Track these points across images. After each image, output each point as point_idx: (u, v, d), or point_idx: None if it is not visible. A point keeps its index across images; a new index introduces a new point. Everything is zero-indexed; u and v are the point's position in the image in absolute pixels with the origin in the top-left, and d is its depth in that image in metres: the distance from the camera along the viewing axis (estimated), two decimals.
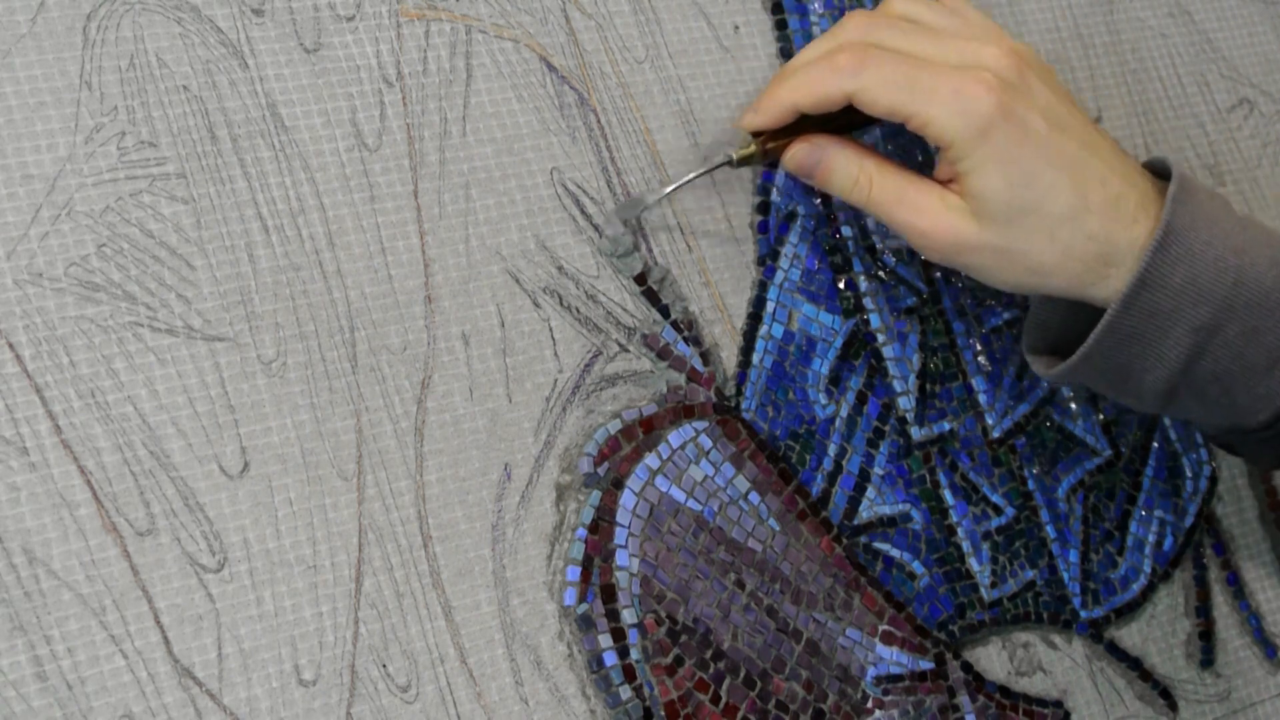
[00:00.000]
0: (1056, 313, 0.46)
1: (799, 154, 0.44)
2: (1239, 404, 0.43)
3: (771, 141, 0.44)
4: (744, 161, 0.44)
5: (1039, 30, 0.56)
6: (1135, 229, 0.42)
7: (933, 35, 0.43)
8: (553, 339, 0.44)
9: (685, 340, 0.45)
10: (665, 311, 0.45)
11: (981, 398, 0.50)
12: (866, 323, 0.49)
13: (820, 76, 0.42)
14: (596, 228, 0.45)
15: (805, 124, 0.44)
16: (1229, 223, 0.42)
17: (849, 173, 0.43)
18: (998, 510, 0.50)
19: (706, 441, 0.45)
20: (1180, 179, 0.42)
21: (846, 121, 0.44)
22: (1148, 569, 0.52)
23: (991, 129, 0.41)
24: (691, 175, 0.45)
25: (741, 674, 0.43)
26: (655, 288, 0.45)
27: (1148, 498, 0.53)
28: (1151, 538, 0.52)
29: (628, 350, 0.45)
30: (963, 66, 0.41)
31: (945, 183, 0.43)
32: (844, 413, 0.48)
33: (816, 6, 0.51)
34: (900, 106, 0.41)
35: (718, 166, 0.44)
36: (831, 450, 0.47)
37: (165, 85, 0.40)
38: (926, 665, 0.46)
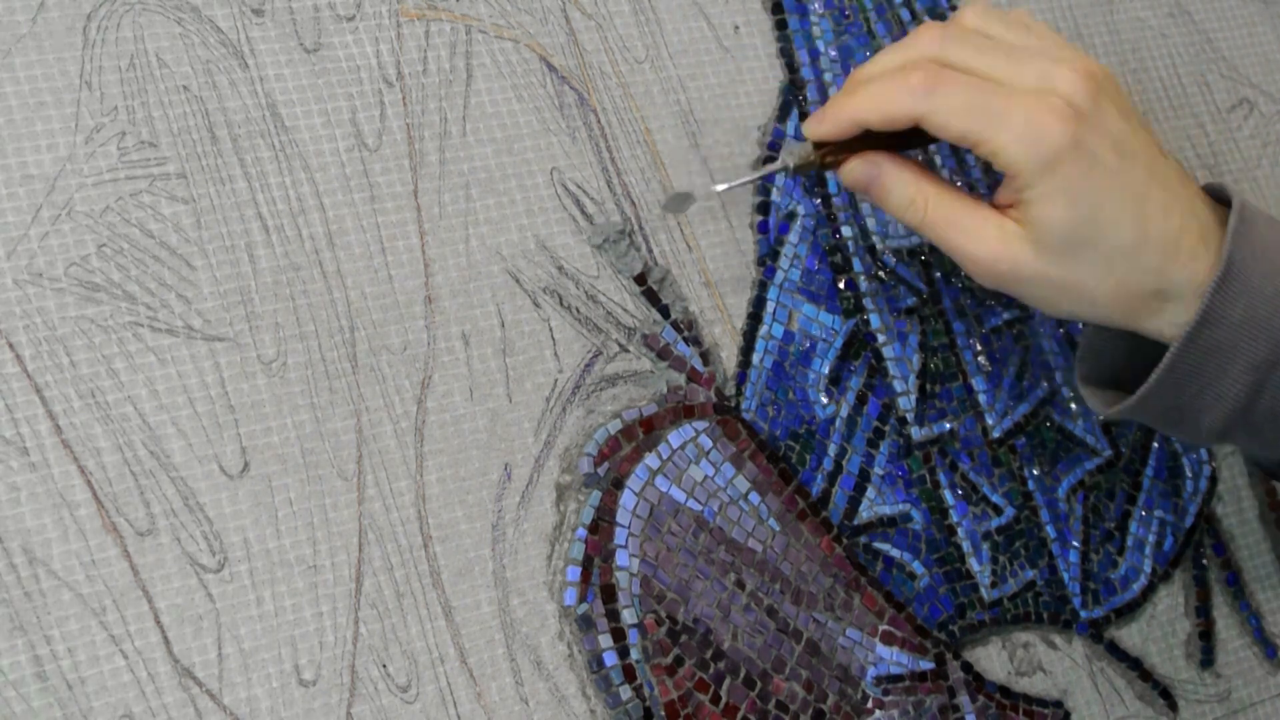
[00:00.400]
0: (1110, 343, 0.46)
1: (856, 170, 0.43)
2: None
3: (831, 155, 0.43)
4: (800, 170, 0.44)
5: None
6: (1194, 265, 0.41)
7: (1006, 54, 0.42)
8: (553, 339, 0.44)
9: (685, 340, 0.45)
10: (665, 311, 0.45)
11: (981, 398, 0.50)
12: (866, 323, 0.49)
13: (891, 95, 0.41)
14: (589, 217, 0.45)
15: (868, 137, 0.43)
16: None
17: (905, 193, 0.43)
18: (998, 510, 0.49)
19: (706, 441, 0.45)
20: (1240, 210, 0.42)
21: (909, 136, 0.43)
22: (1148, 569, 0.52)
23: (1061, 160, 0.40)
24: (747, 179, 0.44)
25: (741, 674, 0.43)
26: (655, 288, 0.46)
27: (1148, 498, 0.53)
28: (1152, 538, 0.52)
29: (628, 350, 0.45)
30: (1036, 91, 0.41)
31: (1004, 208, 0.42)
32: (844, 413, 0.48)
33: (817, 6, 0.51)
34: (971, 132, 0.40)
35: (774, 172, 0.44)
36: (831, 450, 0.47)
37: (165, 85, 0.40)
38: (927, 665, 0.46)
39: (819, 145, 0.44)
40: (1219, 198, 0.44)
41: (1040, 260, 0.41)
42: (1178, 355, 0.41)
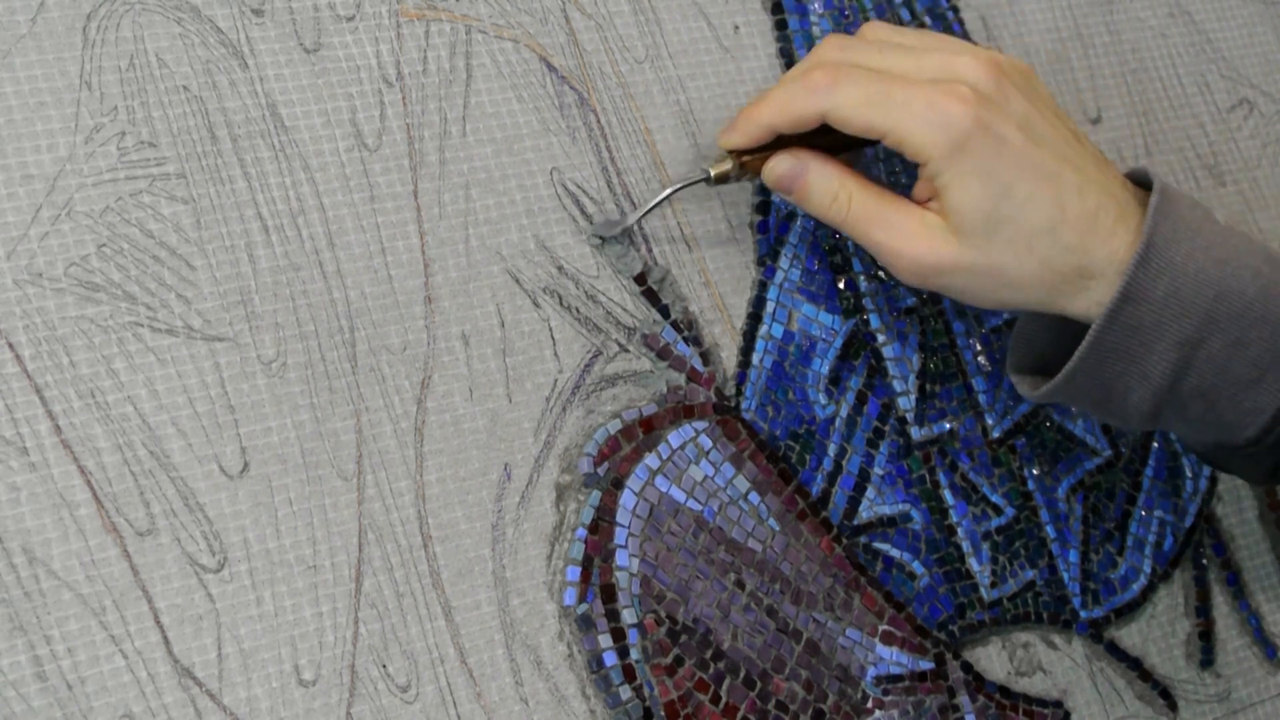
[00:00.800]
0: (1041, 331, 0.46)
1: (779, 167, 0.44)
2: (1225, 420, 0.43)
3: (747, 157, 0.44)
4: (721, 179, 0.44)
5: (1039, 30, 0.56)
6: (1114, 241, 0.41)
7: (907, 51, 0.43)
8: (553, 339, 0.44)
9: (685, 340, 0.45)
10: (665, 311, 0.45)
11: (981, 398, 0.50)
12: (866, 323, 0.49)
13: (794, 95, 0.42)
14: (589, 217, 0.45)
15: (786, 144, 0.44)
16: (1211, 233, 0.42)
17: (828, 189, 0.43)
18: (997, 510, 0.49)
19: (706, 441, 0.45)
20: (1162, 190, 0.42)
21: (832, 143, 0.44)
22: (1148, 569, 0.52)
23: (967, 142, 0.40)
24: (665, 193, 0.44)
25: (741, 674, 0.43)
26: (655, 288, 0.45)
27: (1148, 498, 0.53)
28: (1151, 538, 0.52)
29: (628, 350, 0.45)
30: (937, 80, 0.41)
31: (923, 202, 0.43)
32: (844, 413, 0.48)
33: (816, 6, 0.51)
34: (875, 123, 0.41)
35: (693, 183, 0.44)
36: (831, 450, 0.47)
37: (165, 85, 0.40)
38: (926, 665, 0.46)
39: (738, 155, 0.44)
40: (1141, 183, 0.44)
41: (963, 248, 0.41)
42: (1100, 332, 0.41)
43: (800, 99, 0.42)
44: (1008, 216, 0.41)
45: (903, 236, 0.42)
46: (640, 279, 0.45)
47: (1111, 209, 0.42)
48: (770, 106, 0.43)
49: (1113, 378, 0.42)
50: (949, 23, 0.54)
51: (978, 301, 0.43)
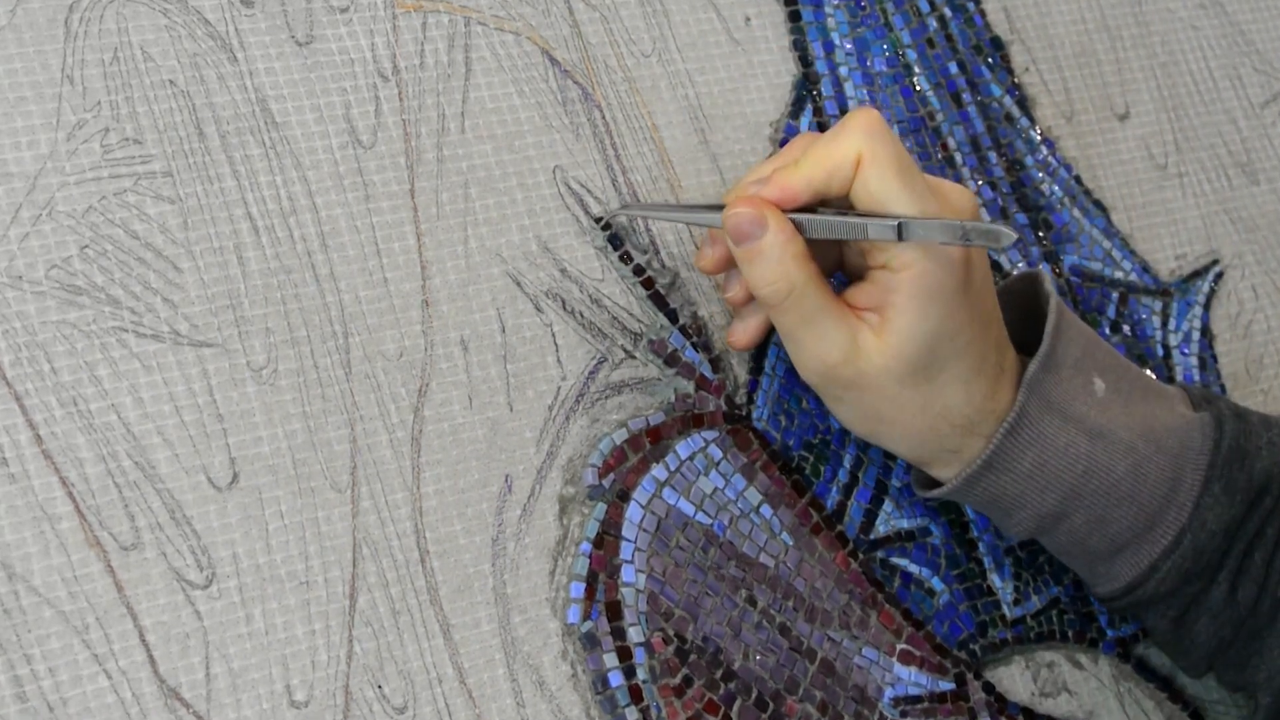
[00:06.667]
0: None
1: (739, 217, 0.39)
2: (1085, 574, 0.45)
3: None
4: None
5: (1064, 22, 0.55)
6: (995, 401, 0.41)
7: None
8: (555, 345, 0.43)
9: (694, 346, 0.45)
10: (673, 316, 0.45)
11: None
12: None
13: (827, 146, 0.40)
14: (595, 220, 0.45)
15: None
16: (1089, 402, 0.42)
17: (773, 271, 0.39)
18: None
19: (716, 452, 0.44)
20: (1044, 354, 0.42)
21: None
22: None
23: (958, 269, 0.40)
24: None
25: (753, 695, 0.43)
26: (663, 291, 0.45)
27: None
28: None
29: (634, 357, 0.44)
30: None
31: (860, 309, 0.41)
32: None
33: None
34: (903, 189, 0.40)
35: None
36: (847, 461, 0.46)
37: (151, 80, 0.40)
38: (946, 686, 0.46)
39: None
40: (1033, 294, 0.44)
41: (880, 376, 0.40)
42: (959, 493, 0.43)
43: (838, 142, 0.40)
44: (940, 365, 0.40)
45: (829, 345, 0.40)
46: (648, 282, 0.45)
47: (1005, 363, 0.42)
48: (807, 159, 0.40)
49: (984, 507, 0.44)
50: (970, 14, 0.53)
51: (849, 424, 0.43)
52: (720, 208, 0.41)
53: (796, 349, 0.41)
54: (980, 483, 0.42)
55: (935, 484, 0.44)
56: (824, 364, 0.41)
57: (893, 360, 0.40)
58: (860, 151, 0.39)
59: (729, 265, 0.42)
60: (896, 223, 0.38)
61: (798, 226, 0.40)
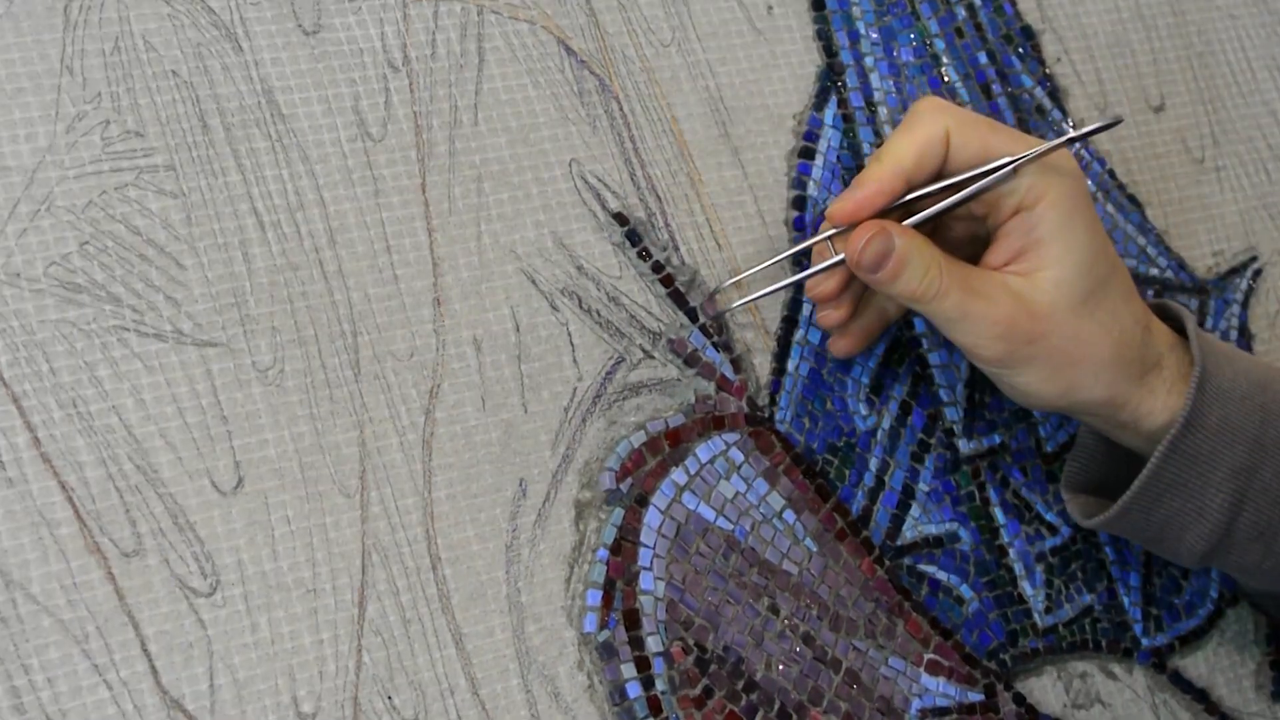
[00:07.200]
0: (1100, 450, 0.46)
1: (868, 246, 0.40)
2: None
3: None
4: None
5: (1098, 11, 0.55)
6: (1155, 328, 0.43)
7: None
8: (571, 344, 0.43)
9: (715, 346, 0.45)
10: (693, 315, 0.45)
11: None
12: (910, 327, 0.48)
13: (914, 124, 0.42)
14: (614, 216, 0.44)
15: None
16: (1240, 356, 0.43)
17: (924, 260, 0.40)
18: (1052, 530, 0.49)
19: (738, 455, 0.44)
20: (1189, 318, 0.44)
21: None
22: (1214, 593, 0.51)
23: (1083, 198, 0.41)
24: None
25: (776, 706, 0.42)
26: (682, 289, 0.45)
27: None
28: None
29: (653, 356, 0.44)
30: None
31: (999, 268, 0.42)
32: (886, 424, 0.47)
33: None
34: (994, 148, 0.42)
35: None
36: (873, 465, 0.46)
37: (153, 70, 0.40)
38: (976, 697, 0.46)
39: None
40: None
41: (1056, 311, 0.41)
42: (1162, 461, 0.42)
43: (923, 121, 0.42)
44: (1103, 283, 0.41)
45: (995, 303, 0.41)
46: (667, 280, 0.45)
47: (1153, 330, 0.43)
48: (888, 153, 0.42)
49: (1168, 515, 0.43)
50: (999, 3, 0.53)
51: (1039, 393, 0.42)
52: (806, 252, 0.43)
53: (969, 326, 0.41)
54: (1180, 447, 0.41)
55: (1092, 511, 0.45)
56: (1001, 325, 0.41)
57: (1064, 290, 0.41)
58: (947, 126, 0.41)
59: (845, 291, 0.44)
60: (1016, 159, 0.41)
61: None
